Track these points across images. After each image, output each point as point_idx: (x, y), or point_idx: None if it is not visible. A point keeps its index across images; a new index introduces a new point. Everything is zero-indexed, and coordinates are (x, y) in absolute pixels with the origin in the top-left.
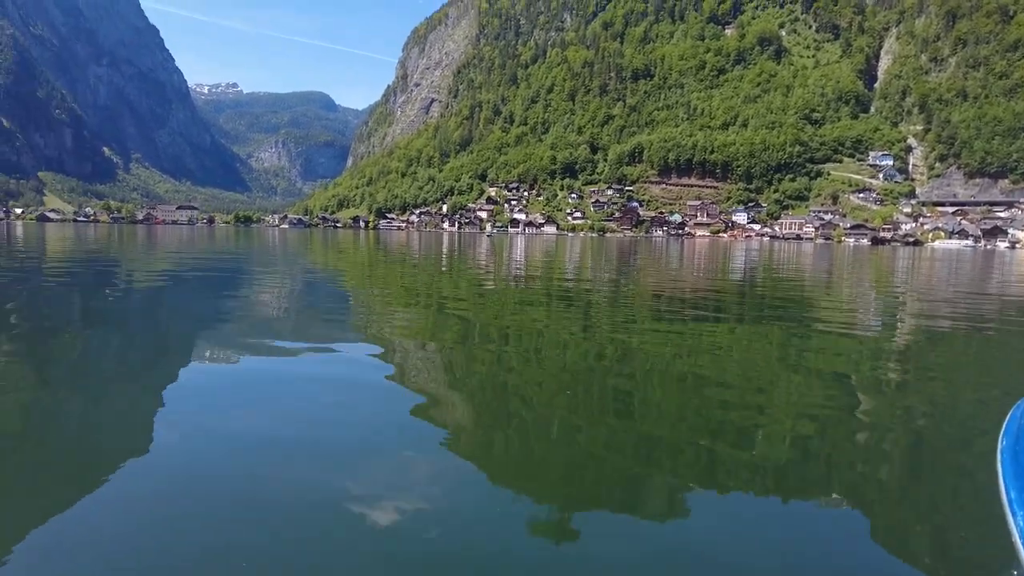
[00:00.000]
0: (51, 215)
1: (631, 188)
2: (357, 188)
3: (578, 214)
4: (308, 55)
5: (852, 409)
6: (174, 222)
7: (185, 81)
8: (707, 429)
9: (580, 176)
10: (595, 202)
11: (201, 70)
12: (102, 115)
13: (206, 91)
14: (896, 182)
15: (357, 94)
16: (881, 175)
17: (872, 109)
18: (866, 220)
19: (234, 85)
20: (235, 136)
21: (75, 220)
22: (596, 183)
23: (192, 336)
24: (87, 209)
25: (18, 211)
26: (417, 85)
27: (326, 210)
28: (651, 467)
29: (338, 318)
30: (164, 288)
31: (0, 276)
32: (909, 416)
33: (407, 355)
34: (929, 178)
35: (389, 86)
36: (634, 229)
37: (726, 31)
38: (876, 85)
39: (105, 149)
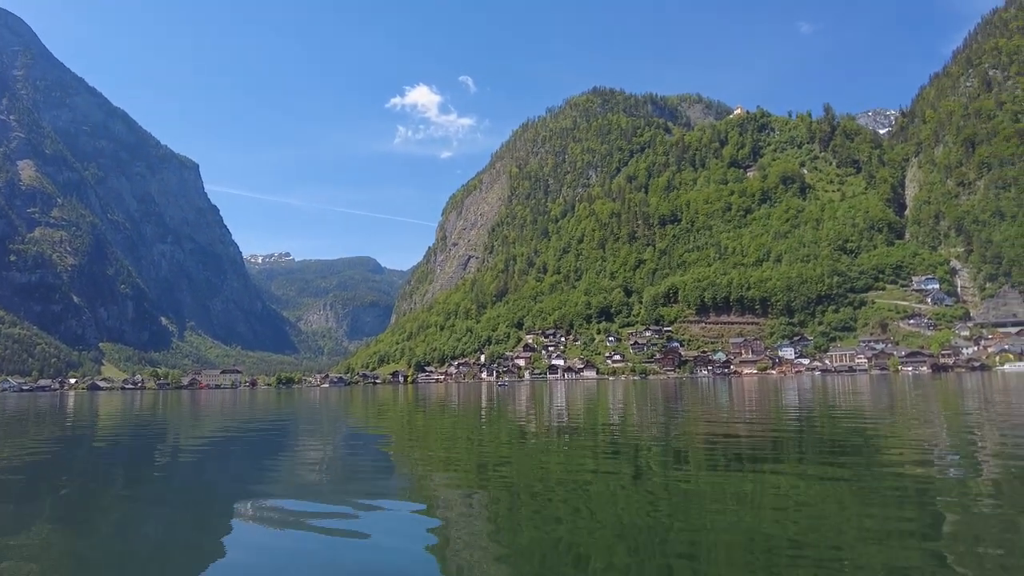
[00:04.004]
0: (101, 384)
1: (669, 328)
2: (397, 343)
3: (617, 357)
4: (356, 224)
5: (942, 564)
6: (217, 386)
7: (240, 253)
8: None
9: (616, 319)
10: (634, 344)
11: (256, 242)
12: (162, 287)
13: (260, 260)
14: (947, 305)
15: (402, 257)
16: (929, 299)
17: (907, 235)
18: (922, 347)
19: (286, 254)
20: (285, 301)
21: (123, 388)
22: (633, 325)
23: (220, 515)
24: (136, 377)
25: (72, 381)
26: (455, 245)
27: (367, 367)
28: None
29: (377, 488)
30: (201, 458)
31: (45, 449)
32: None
33: (449, 521)
34: (983, 299)
35: (430, 247)
36: (677, 370)
37: (748, 174)
38: (907, 212)
39: (162, 319)
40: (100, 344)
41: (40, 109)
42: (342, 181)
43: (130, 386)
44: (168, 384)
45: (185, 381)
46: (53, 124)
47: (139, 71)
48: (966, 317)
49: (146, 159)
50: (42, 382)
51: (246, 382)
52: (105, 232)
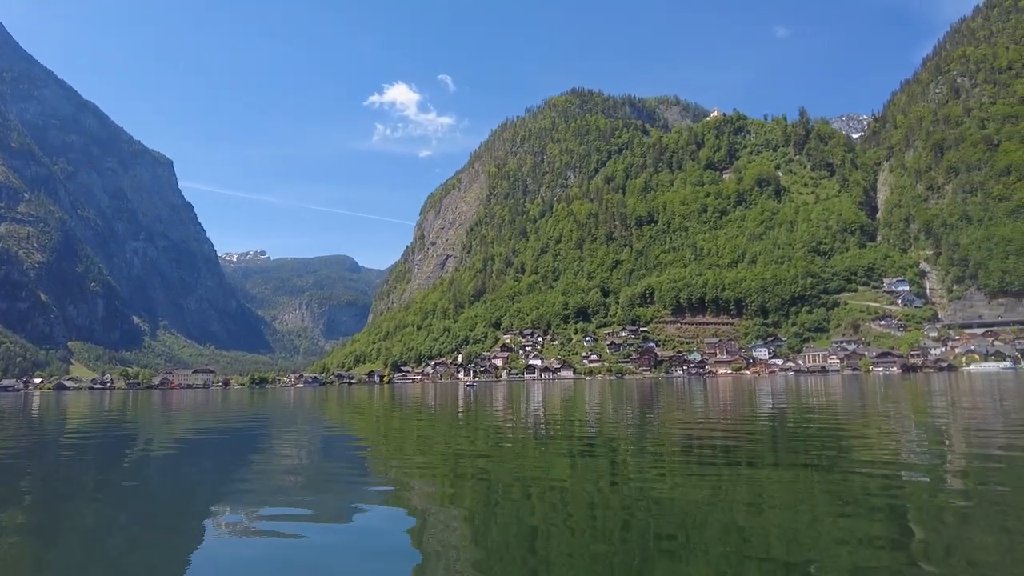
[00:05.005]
0: (68, 383)
1: (645, 329)
2: (374, 343)
3: (594, 357)
4: (333, 222)
5: (912, 560)
6: (189, 386)
7: (215, 250)
8: None
9: (593, 319)
10: (610, 344)
11: (231, 240)
12: (134, 285)
13: (235, 259)
14: (916, 307)
15: (379, 256)
16: (899, 301)
17: (879, 238)
18: (892, 348)
19: (262, 252)
20: (261, 300)
21: (91, 388)
22: (610, 325)
23: (186, 523)
24: (105, 376)
25: (37, 381)
26: (433, 244)
27: (343, 367)
28: None
29: (351, 490)
30: (171, 462)
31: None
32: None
33: (425, 521)
34: (950, 300)
35: (408, 246)
36: (653, 370)
37: (724, 176)
38: (878, 215)
39: (134, 317)
40: (69, 343)
41: (7, 101)
42: (319, 179)
43: (98, 386)
44: (138, 384)
45: (156, 381)
46: (20, 117)
47: (111, 64)
48: (934, 318)
49: (118, 154)
50: (5, 382)
51: (219, 382)
52: (75, 228)
